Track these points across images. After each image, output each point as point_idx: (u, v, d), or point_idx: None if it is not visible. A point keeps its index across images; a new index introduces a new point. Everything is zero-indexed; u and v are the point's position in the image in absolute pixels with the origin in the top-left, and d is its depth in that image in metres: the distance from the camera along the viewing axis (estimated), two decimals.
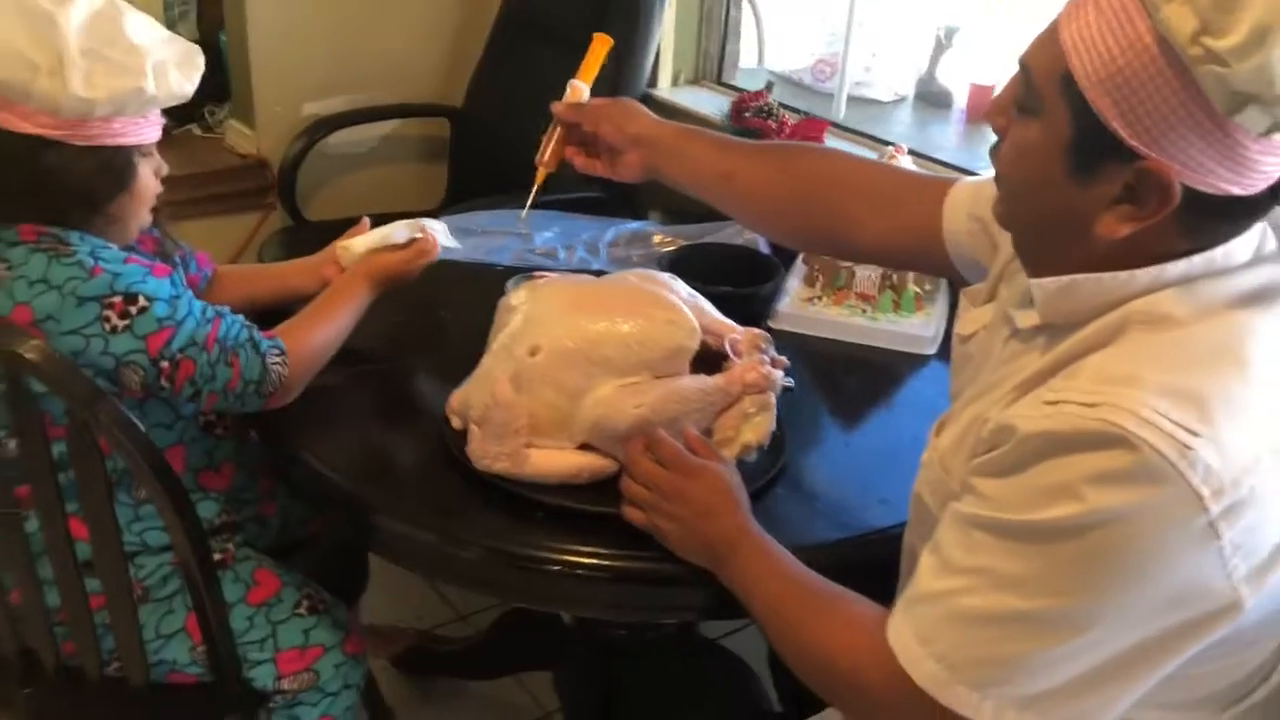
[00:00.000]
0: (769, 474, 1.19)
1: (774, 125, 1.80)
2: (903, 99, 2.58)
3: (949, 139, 2.39)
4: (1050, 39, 0.80)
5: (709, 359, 1.21)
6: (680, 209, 1.96)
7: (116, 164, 1.17)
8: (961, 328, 1.05)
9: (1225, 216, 0.79)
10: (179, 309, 1.16)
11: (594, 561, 1.09)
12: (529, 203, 1.38)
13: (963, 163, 2.06)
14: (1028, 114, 0.83)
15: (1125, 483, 0.73)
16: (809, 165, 1.26)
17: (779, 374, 1.20)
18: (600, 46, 1.35)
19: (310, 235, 2.42)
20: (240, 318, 1.22)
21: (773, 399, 1.18)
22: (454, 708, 1.91)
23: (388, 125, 2.60)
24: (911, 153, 1.68)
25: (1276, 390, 0.77)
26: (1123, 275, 0.81)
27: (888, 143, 1.93)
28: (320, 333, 1.27)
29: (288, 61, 2.42)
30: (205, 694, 1.29)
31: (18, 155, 1.13)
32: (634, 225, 1.83)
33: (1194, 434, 0.73)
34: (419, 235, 1.39)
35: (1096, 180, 0.79)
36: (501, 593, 1.19)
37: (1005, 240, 0.98)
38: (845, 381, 1.49)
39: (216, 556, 1.29)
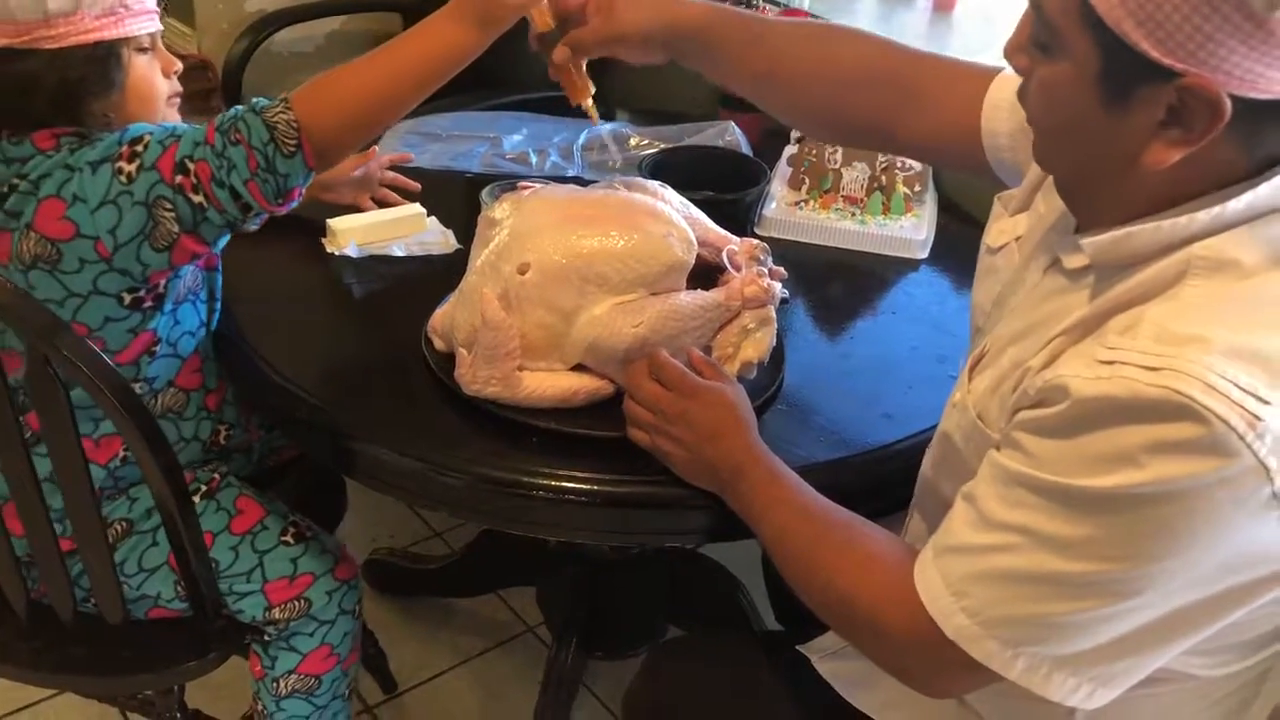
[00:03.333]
0: (769, 391, 1.15)
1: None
2: None
3: (915, 29, 2.33)
4: None
5: (704, 272, 1.16)
6: (653, 107, 1.88)
7: (96, 64, 1.07)
8: (991, 238, 1.00)
9: None
10: (178, 128, 1.07)
11: (592, 487, 1.05)
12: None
13: (930, 50, 1.99)
14: (1048, 53, 0.76)
15: (1190, 454, 0.69)
16: (850, 56, 1.15)
17: (778, 286, 1.15)
18: None
19: None
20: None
21: (773, 313, 1.13)
22: (436, 626, 1.89)
23: (336, 21, 2.47)
24: None
25: None
26: (1182, 220, 0.75)
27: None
28: (362, 78, 1.09)
29: None
30: (188, 628, 1.24)
31: None
32: (608, 127, 1.74)
33: (1264, 402, 0.68)
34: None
35: (1135, 108, 0.73)
36: (494, 520, 1.15)
37: None
38: (836, 289, 1.45)
39: (203, 487, 1.25)
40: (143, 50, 1.12)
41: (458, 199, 1.57)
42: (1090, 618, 0.75)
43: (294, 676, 1.30)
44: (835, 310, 1.41)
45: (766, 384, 1.15)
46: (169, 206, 1.05)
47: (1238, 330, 0.71)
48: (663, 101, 1.90)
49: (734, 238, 1.20)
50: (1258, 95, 0.70)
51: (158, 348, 1.16)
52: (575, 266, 1.07)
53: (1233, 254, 0.74)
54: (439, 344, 1.16)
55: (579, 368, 1.10)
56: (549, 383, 1.09)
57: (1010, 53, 0.82)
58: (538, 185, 1.20)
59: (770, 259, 1.19)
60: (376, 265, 1.38)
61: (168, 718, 1.34)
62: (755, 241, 1.20)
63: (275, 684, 1.30)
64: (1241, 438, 0.68)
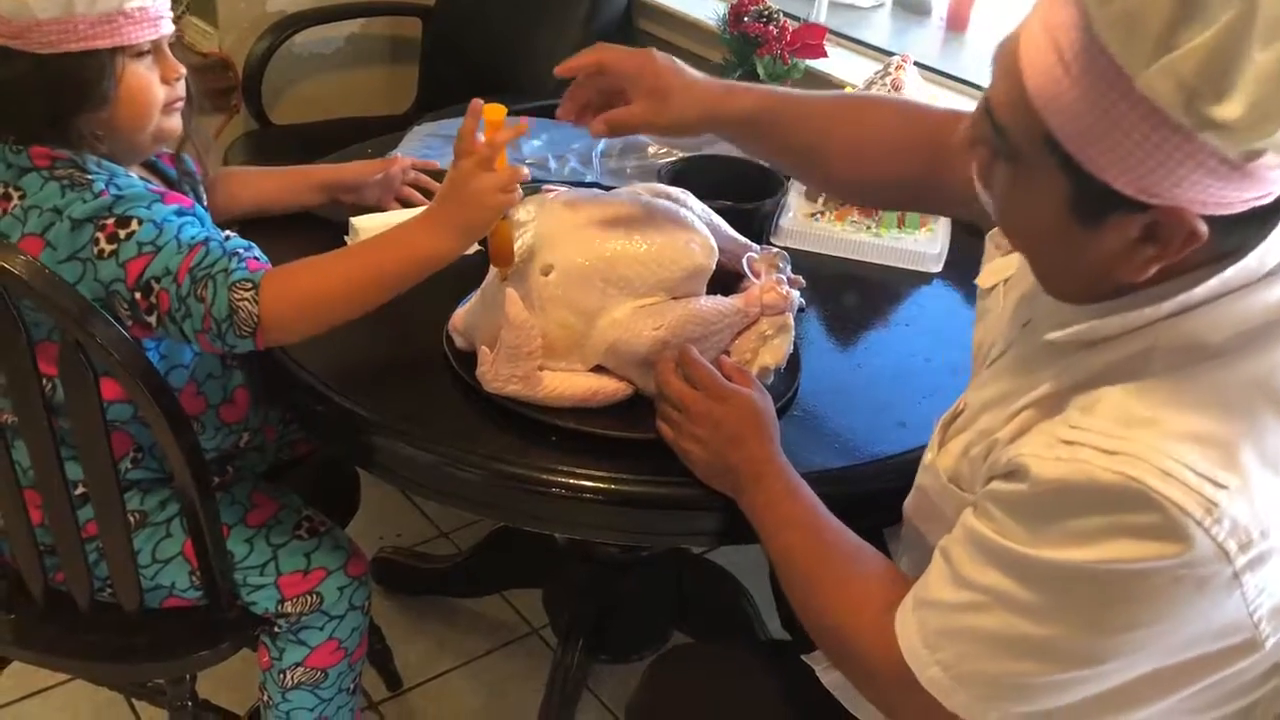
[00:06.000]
0: (785, 397, 1.16)
1: (774, 30, 1.73)
2: (881, 4, 2.53)
3: (929, 46, 2.35)
4: (1017, 88, 0.71)
5: (723, 278, 1.17)
6: None
7: (86, 71, 1.05)
8: (982, 279, 1.01)
9: (1256, 220, 0.71)
10: (165, 234, 1.04)
11: (609, 487, 1.06)
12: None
13: (944, 68, 2.02)
14: (1014, 166, 0.75)
15: (1147, 539, 0.69)
16: (890, 124, 1.15)
17: (796, 294, 1.16)
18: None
19: (277, 139, 2.34)
20: (234, 242, 1.08)
21: (791, 320, 1.15)
22: (442, 626, 1.90)
23: (356, 24, 2.50)
24: (916, 64, 1.63)
25: None
26: (1147, 311, 0.74)
27: (890, 52, 1.87)
28: (331, 274, 1.07)
29: None
30: (202, 618, 1.25)
31: None
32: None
33: (1220, 486, 0.68)
34: None
35: (1109, 230, 0.72)
36: (510, 516, 1.16)
37: None
38: (851, 301, 1.46)
39: (217, 480, 1.25)
40: (141, 55, 1.09)
41: None
42: (1058, 680, 0.76)
43: (301, 669, 1.31)
44: (850, 321, 1.42)
45: (782, 391, 1.16)
46: (125, 305, 1.04)
47: (1196, 412, 0.71)
48: None
49: (754, 245, 1.22)
50: (1231, 212, 0.69)
51: None
52: (598, 269, 1.08)
53: (1201, 336, 0.73)
54: (460, 342, 1.17)
55: (599, 369, 1.12)
56: (569, 383, 1.10)
57: (968, 146, 0.79)
58: (561, 189, 1.22)
59: (789, 267, 1.20)
60: None
61: (178, 706, 1.35)
62: (775, 249, 1.21)
63: (282, 675, 1.31)
64: (1199, 524, 0.68)
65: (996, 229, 1.02)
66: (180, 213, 1.08)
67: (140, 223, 1.04)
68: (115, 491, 1.13)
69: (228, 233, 1.12)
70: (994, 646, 0.78)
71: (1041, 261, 0.82)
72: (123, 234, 1.03)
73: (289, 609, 1.26)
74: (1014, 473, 0.76)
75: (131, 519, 1.21)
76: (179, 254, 1.03)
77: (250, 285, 1.03)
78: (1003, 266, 0.99)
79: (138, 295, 1.03)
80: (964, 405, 0.92)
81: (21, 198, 1.05)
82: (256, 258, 1.07)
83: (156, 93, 1.11)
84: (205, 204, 1.27)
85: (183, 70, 1.14)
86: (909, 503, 0.99)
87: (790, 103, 1.15)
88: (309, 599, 1.26)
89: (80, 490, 1.16)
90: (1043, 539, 0.74)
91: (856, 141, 1.15)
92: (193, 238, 1.05)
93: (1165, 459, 0.69)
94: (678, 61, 1.13)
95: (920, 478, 0.96)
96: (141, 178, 1.13)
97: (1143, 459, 0.69)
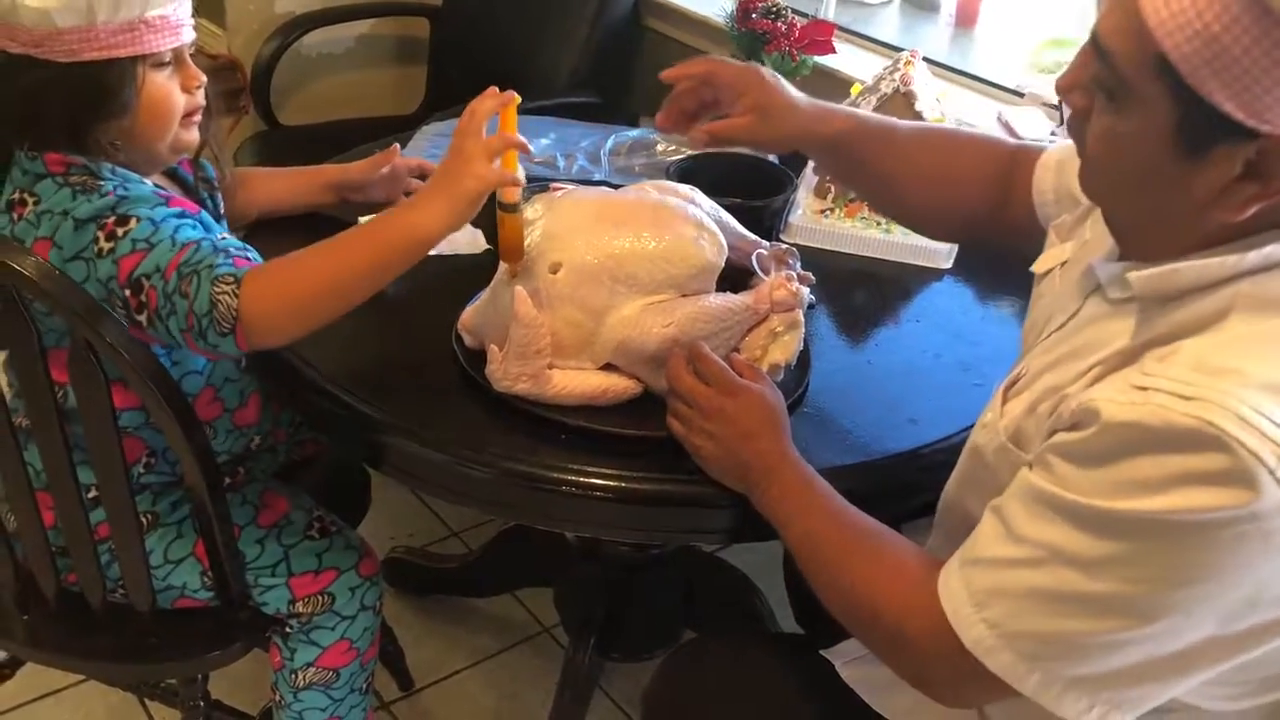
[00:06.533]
0: (795, 394, 1.16)
1: (782, 27, 1.72)
2: (889, 0, 2.52)
3: (937, 42, 2.35)
4: (1128, 15, 0.71)
5: (733, 275, 1.17)
6: None
7: (107, 80, 1.04)
8: (1038, 265, 1.00)
9: None
10: (160, 232, 1.02)
11: (619, 484, 1.06)
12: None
13: (953, 64, 2.01)
14: (1116, 101, 0.74)
15: (1217, 486, 0.68)
16: (970, 159, 1.18)
17: (805, 290, 1.16)
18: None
19: (286, 140, 2.35)
20: (227, 242, 1.05)
21: (801, 317, 1.14)
22: (453, 625, 1.90)
23: (365, 24, 2.51)
24: (925, 60, 1.62)
25: None
26: (1231, 259, 0.74)
27: (899, 48, 1.86)
28: (314, 264, 1.03)
29: None
30: (214, 618, 1.26)
31: (2, 77, 1.04)
32: (634, 133, 1.76)
33: None
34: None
35: (1211, 162, 0.72)
36: (521, 514, 1.16)
37: None
38: (860, 297, 1.46)
39: (228, 480, 1.25)
40: (162, 65, 1.08)
41: (490, 199, 1.58)
42: (1109, 640, 0.75)
43: (313, 669, 1.31)
44: (859, 318, 1.41)
45: (792, 387, 1.16)
46: (119, 304, 1.03)
47: (1274, 363, 0.70)
48: None
49: (763, 242, 1.21)
50: None
51: None
52: (606, 267, 1.08)
53: (1278, 291, 0.73)
54: (469, 341, 1.17)
55: (608, 367, 1.11)
56: (578, 381, 1.10)
57: (1065, 90, 0.80)
58: (570, 187, 1.21)
59: (799, 264, 1.20)
60: None
61: (190, 706, 1.35)
62: (784, 246, 1.21)
63: (294, 675, 1.31)
64: (1272, 472, 0.67)
65: (1058, 220, 1.03)
66: (181, 215, 1.07)
67: (138, 221, 1.03)
68: (127, 495, 1.13)
69: (223, 233, 1.11)
70: (1046, 603, 0.77)
71: (1131, 210, 0.81)
72: (120, 231, 1.02)
73: (300, 609, 1.26)
74: (1081, 421, 0.75)
75: (143, 520, 1.21)
76: (171, 251, 1.01)
77: (232, 279, 1.00)
78: (1059, 252, 0.99)
79: (128, 293, 1.01)
80: (1024, 370, 0.91)
81: (36, 203, 1.05)
82: (248, 257, 1.05)
83: (177, 102, 1.10)
84: (223, 210, 1.27)
85: (203, 79, 1.13)
86: (954, 477, 0.98)
87: (876, 129, 1.19)
88: (320, 599, 1.26)
89: (92, 493, 1.16)
90: (1104, 488, 0.73)
91: (935, 172, 1.18)
92: (187, 238, 1.04)
93: (1243, 406, 0.68)
94: (781, 79, 1.16)
95: (975, 436, 0.94)
96: (157, 183, 1.13)
97: (1220, 404, 0.68)
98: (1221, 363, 0.71)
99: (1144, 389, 0.72)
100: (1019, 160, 1.15)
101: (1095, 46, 0.75)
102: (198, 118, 1.14)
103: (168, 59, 1.08)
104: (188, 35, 1.10)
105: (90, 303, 1.02)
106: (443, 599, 1.94)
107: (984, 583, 0.81)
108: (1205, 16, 0.67)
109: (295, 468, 1.45)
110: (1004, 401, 0.91)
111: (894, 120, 1.23)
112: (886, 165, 1.18)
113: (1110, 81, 0.74)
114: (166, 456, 1.22)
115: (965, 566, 0.83)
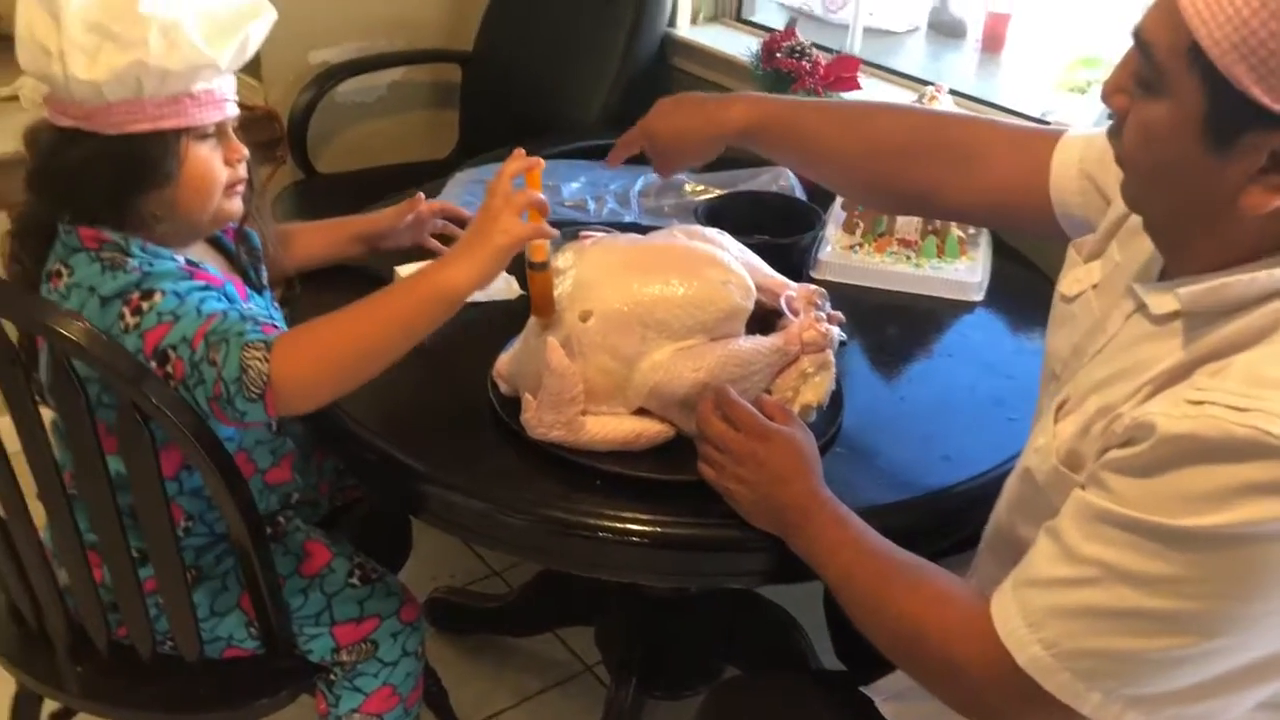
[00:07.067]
0: (828, 434, 1.16)
1: (807, 65, 1.74)
2: (916, 28, 2.53)
3: (964, 70, 2.35)
4: (1168, 9, 0.74)
5: (761, 316, 1.18)
6: None
7: (151, 151, 1.06)
8: (1066, 286, 1.01)
9: None
10: (185, 304, 1.04)
11: (655, 529, 1.07)
12: None
13: (979, 94, 2.01)
14: (1152, 93, 0.77)
15: (1274, 495, 0.69)
16: (894, 128, 1.21)
17: (836, 330, 1.17)
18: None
19: (324, 188, 2.39)
20: (254, 311, 1.08)
21: (831, 357, 1.15)
22: (496, 665, 1.91)
23: (398, 72, 2.55)
24: (952, 92, 1.63)
25: None
26: (1278, 273, 0.75)
27: (926, 82, 1.86)
28: (345, 326, 1.04)
29: (293, 7, 2.35)
30: (261, 667, 1.28)
31: (51, 150, 1.07)
32: None
33: None
34: None
35: (1238, 153, 0.73)
36: (557, 560, 1.17)
37: (1119, 196, 0.92)
38: (892, 332, 1.46)
39: (269, 530, 1.27)
40: (205, 137, 1.10)
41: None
42: (1168, 657, 0.75)
43: (358, 715, 1.32)
44: (892, 353, 1.42)
45: (825, 427, 1.17)
46: None
47: None
48: None
49: (791, 283, 1.22)
50: None
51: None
52: (636, 314, 1.10)
53: None
54: (504, 388, 1.19)
55: (641, 412, 1.13)
56: (612, 426, 1.11)
57: (1109, 93, 0.82)
58: (599, 234, 1.23)
59: (828, 304, 1.20)
60: None
61: None
62: (813, 287, 1.22)
63: None
64: None
65: (1078, 240, 1.03)
66: (205, 288, 1.09)
67: (163, 295, 1.05)
68: (174, 553, 1.15)
69: (255, 304, 1.13)
70: (1104, 621, 0.77)
71: (1165, 207, 0.82)
72: (145, 306, 1.04)
73: (344, 657, 1.28)
74: (1135, 436, 0.75)
75: (189, 575, 1.23)
76: (197, 321, 1.03)
77: (263, 345, 1.01)
78: (1086, 274, 0.99)
79: (154, 364, 1.03)
80: (1068, 394, 0.91)
81: (69, 275, 1.08)
82: (275, 324, 1.07)
83: (219, 174, 1.12)
84: (265, 280, 1.28)
85: (245, 153, 1.15)
86: (1004, 500, 0.98)
87: (782, 110, 1.24)
88: (363, 646, 1.28)
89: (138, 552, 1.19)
90: (1162, 501, 0.73)
91: (868, 142, 1.21)
92: (213, 309, 1.05)
93: None
94: (693, 94, 1.28)
95: (1027, 459, 0.94)
96: (199, 252, 1.15)
97: (1275, 414, 0.69)
98: (1275, 374, 0.72)
99: (1199, 403, 0.72)
100: (977, 134, 1.18)
101: (1136, 41, 0.77)
102: (240, 189, 1.16)
103: (211, 131, 1.11)
104: (231, 110, 1.12)
105: (135, 365, 1.05)
106: (485, 638, 1.95)
107: (1040, 603, 0.80)
108: (1236, 2, 0.69)
109: (337, 513, 1.48)
110: (1055, 423, 0.91)
111: (799, 100, 1.29)
112: (801, 148, 1.24)
113: (1148, 74, 0.77)
114: (205, 519, 1.24)
115: (1020, 588, 0.83)
